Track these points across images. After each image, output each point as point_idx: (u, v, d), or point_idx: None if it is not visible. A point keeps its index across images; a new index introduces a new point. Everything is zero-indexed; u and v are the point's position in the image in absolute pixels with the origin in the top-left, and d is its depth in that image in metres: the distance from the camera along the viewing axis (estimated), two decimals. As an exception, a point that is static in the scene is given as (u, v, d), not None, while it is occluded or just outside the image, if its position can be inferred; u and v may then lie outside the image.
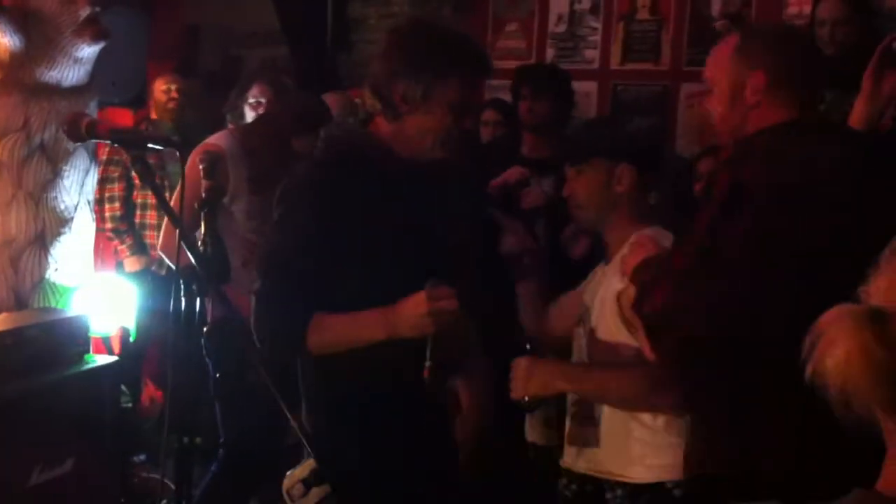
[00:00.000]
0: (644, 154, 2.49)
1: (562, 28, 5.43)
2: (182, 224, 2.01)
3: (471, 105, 2.34)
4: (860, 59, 2.63)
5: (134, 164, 2.17)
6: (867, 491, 1.07)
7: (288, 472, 1.86)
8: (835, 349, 1.02)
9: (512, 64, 5.43)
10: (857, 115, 2.45)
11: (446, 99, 2.21)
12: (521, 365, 2.36)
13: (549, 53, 5.45)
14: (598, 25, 5.30)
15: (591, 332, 2.39)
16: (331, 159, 2.32)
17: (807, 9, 4.22)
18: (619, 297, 2.27)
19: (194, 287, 2.07)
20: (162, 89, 5.31)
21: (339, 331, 2.17)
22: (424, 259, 2.21)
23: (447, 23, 2.93)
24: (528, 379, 2.33)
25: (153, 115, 5.35)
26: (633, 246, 2.27)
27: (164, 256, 3.71)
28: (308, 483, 1.83)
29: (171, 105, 5.27)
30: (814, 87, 2.22)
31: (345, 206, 2.19)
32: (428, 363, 2.06)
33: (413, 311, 2.09)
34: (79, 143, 3.67)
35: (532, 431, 2.83)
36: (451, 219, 2.36)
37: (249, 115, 4.00)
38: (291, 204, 2.26)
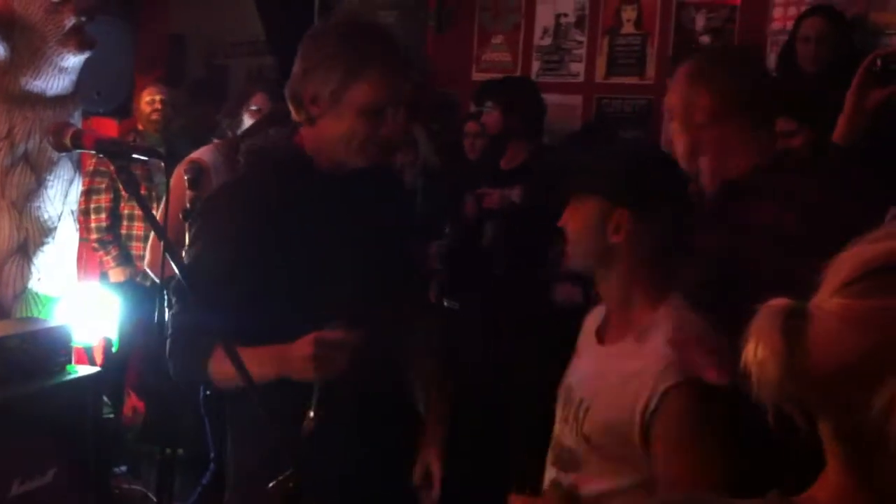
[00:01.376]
0: (656, 196, 1.94)
1: (547, 41, 5.45)
2: (166, 235, 2.00)
3: (387, 109, 2.10)
4: (841, 75, 2.66)
5: (119, 174, 2.16)
6: (782, 498, 1.07)
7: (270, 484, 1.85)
8: (750, 344, 1.03)
9: (497, 76, 5.48)
10: (840, 132, 2.47)
11: (356, 101, 2.06)
12: None
13: (535, 66, 5.48)
14: (584, 39, 5.34)
15: (580, 425, 1.95)
16: (248, 174, 2.22)
17: (791, 25, 4.25)
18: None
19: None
20: (146, 100, 5.31)
21: (227, 370, 1.92)
22: (342, 277, 2.09)
23: (377, 22, 2.72)
24: None
25: (140, 126, 5.35)
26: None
27: (150, 272, 3.70)
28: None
29: (154, 116, 5.27)
30: (766, 109, 2.25)
31: (258, 224, 2.06)
32: (311, 414, 1.90)
33: (299, 354, 1.95)
34: (63, 153, 3.67)
35: None
36: (374, 230, 2.19)
37: (248, 123, 4.03)
38: (204, 222, 2.16)
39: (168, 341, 2.12)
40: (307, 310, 2.04)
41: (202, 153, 3.65)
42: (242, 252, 2.06)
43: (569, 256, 2.03)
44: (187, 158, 3.56)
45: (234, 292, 2.03)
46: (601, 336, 2.03)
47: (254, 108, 4.09)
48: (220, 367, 1.99)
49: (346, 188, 2.15)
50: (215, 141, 3.85)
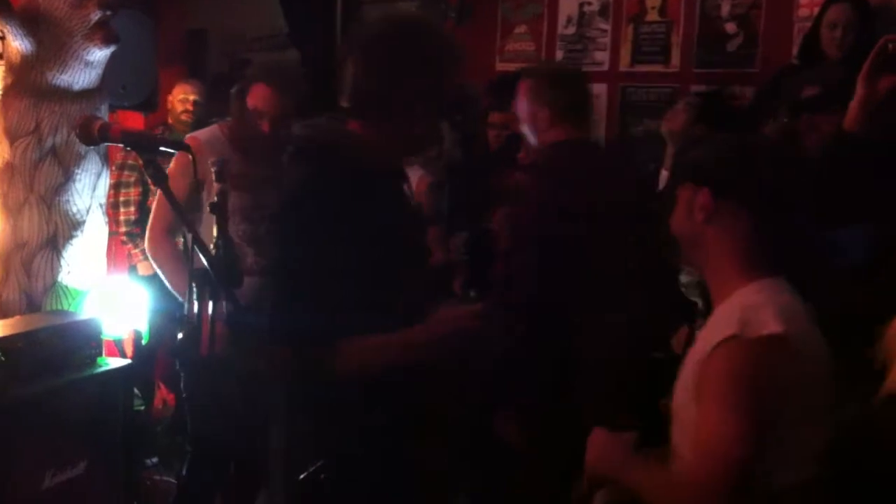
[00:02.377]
0: (736, 174, 1.96)
1: (571, 30, 5.43)
2: (195, 228, 2.01)
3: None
4: (863, 63, 2.63)
5: (146, 167, 2.18)
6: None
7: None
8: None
9: (521, 66, 5.47)
10: (851, 117, 2.45)
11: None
12: (597, 439, 2.06)
13: (558, 55, 5.45)
14: (608, 27, 5.30)
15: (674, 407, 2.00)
16: (319, 168, 2.17)
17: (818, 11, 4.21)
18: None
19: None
20: (179, 98, 5.31)
21: (369, 358, 2.05)
22: (408, 273, 2.16)
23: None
24: (599, 458, 2.04)
25: (169, 121, 5.36)
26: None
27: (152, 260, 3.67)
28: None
29: (185, 117, 5.25)
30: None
31: (343, 221, 2.07)
32: None
33: (440, 333, 2.04)
34: (90, 147, 3.69)
35: None
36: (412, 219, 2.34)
37: None
38: (293, 222, 2.14)
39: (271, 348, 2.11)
40: (385, 306, 2.06)
41: (200, 132, 3.67)
42: (337, 249, 2.05)
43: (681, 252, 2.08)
44: (187, 138, 3.62)
45: (339, 291, 2.02)
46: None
47: None
48: (349, 365, 2.02)
49: (395, 184, 2.25)
50: (219, 123, 3.79)
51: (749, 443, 1.72)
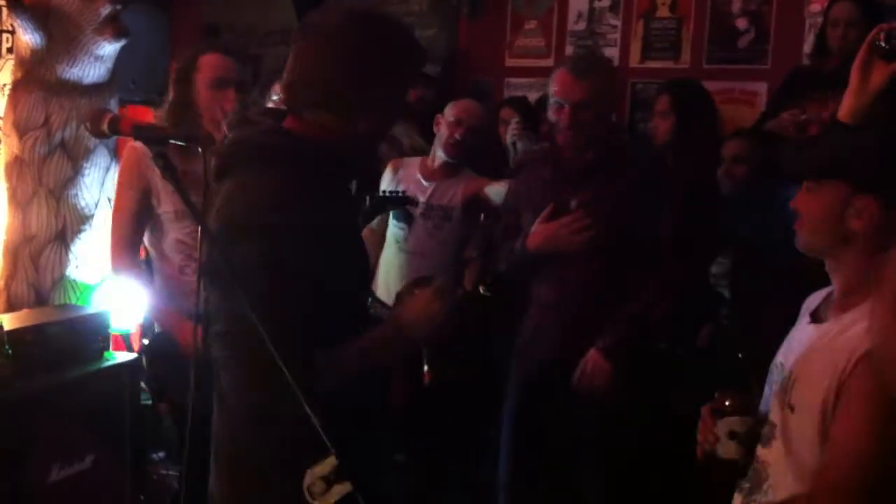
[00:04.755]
0: None
1: (581, 26, 5.41)
2: (206, 222, 1.99)
3: None
4: None
5: (156, 160, 2.16)
6: None
7: (308, 470, 1.85)
8: None
9: (531, 62, 5.45)
10: (845, 108, 2.42)
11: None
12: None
13: (568, 51, 5.43)
14: (618, 23, 5.28)
15: (787, 396, 1.92)
16: (291, 168, 1.98)
17: (828, 8, 4.19)
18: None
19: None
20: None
21: (357, 363, 1.97)
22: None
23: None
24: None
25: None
26: None
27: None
28: (329, 480, 1.82)
29: None
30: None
31: (323, 220, 1.94)
32: (426, 368, 1.99)
33: (415, 312, 2.02)
34: (99, 141, 3.69)
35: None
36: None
37: None
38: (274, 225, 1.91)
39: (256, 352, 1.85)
40: (357, 305, 2.04)
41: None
42: (320, 250, 1.90)
43: (799, 237, 1.97)
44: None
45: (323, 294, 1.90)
46: (818, 317, 1.99)
47: (276, 97, 4.05)
48: (338, 374, 1.93)
49: (342, 183, 2.18)
50: None
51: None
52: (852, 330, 1.81)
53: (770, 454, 1.92)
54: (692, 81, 4.41)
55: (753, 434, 1.95)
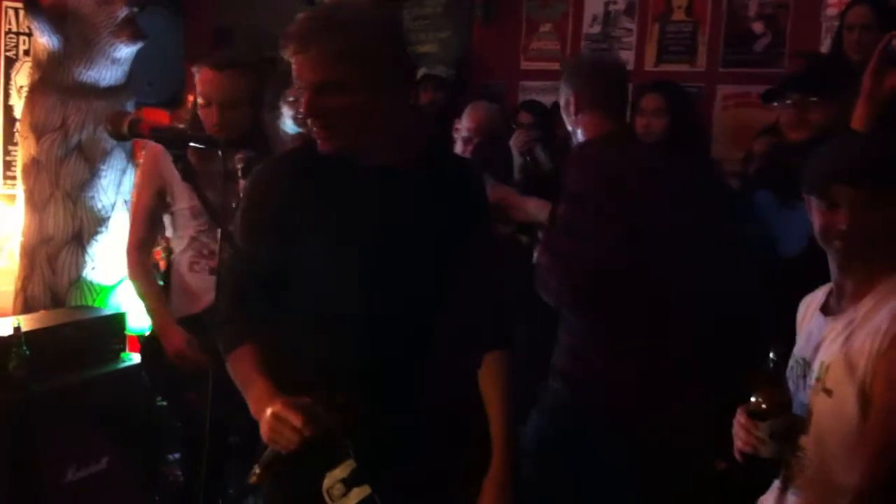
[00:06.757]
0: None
1: (596, 29, 5.40)
2: (224, 223, 2.00)
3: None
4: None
5: (175, 162, 2.17)
6: None
7: (327, 473, 1.85)
8: None
9: (545, 65, 5.44)
10: (859, 114, 2.41)
11: None
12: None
13: (583, 55, 5.43)
14: (633, 26, 5.28)
15: (824, 392, 1.95)
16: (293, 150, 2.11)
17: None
18: None
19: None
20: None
21: (237, 379, 1.95)
22: (362, 277, 1.95)
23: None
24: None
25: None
26: None
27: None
28: (348, 483, 1.82)
29: None
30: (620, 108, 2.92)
31: (292, 198, 1.92)
32: (256, 468, 1.81)
33: (264, 412, 1.81)
34: (116, 143, 3.70)
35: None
36: (416, 231, 2.08)
37: (288, 114, 3.99)
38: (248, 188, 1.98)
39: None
40: (327, 299, 1.92)
41: None
42: (277, 218, 1.90)
43: (841, 246, 1.95)
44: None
45: (269, 253, 1.91)
46: (829, 310, 2.03)
47: (291, 98, 4.04)
48: (233, 367, 1.94)
49: (388, 184, 1.97)
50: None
51: None
52: (882, 311, 1.88)
53: (807, 441, 1.96)
54: (674, 81, 4.37)
55: (795, 430, 1.98)
